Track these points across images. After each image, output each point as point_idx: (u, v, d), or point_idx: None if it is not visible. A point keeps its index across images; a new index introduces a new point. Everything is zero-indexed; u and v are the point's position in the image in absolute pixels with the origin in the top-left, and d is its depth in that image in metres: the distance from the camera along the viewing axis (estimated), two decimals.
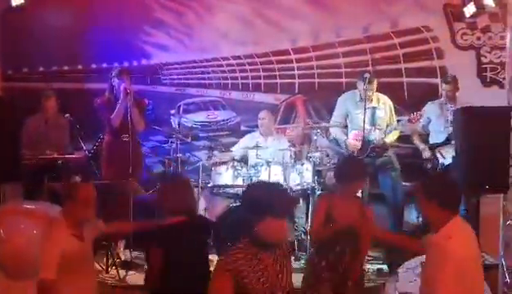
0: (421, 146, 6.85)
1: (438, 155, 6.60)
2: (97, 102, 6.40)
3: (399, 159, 6.86)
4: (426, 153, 6.72)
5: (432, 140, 6.80)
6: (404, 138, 7.19)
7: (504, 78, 6.36)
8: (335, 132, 6.91)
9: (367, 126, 6.54)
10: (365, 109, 6.53)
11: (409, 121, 6.55)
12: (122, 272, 5.80)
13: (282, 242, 3.22)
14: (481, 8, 7.01)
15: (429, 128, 6.88)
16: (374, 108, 6.63)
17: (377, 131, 6.56)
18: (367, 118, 6.56)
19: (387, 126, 6.70)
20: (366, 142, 6.52)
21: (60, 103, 6.91)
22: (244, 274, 3.04)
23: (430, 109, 6.85)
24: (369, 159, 6.48)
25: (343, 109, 6.86)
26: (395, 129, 6.73)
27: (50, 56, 7.74)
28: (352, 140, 6.67)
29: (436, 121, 6.78)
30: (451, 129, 6.46)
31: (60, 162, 6.51)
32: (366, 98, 6.59)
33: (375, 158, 6.61)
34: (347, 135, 6.80)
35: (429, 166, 6.67)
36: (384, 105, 6.73)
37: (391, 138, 6.73)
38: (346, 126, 6.86)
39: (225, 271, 3.04)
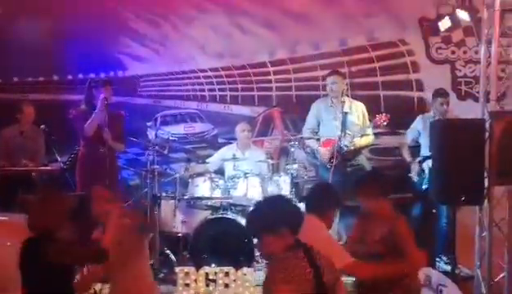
0: (408, 159, 6.87)
1: (426, 168, 6.60)
2: (73, 113, 6.32)
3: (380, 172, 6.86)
4: (413, 166, 6.73)
5: (422, 153, 6.80)
6: (385, 150, 7.23)
7: (478, 92, 6.43)
8: (308, 140, 6.91)
9: (339, 132, 6.49)
10: (342, 110, 6.53)
11: (374, 123, 6.56)
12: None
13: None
14: (456, 22, 7.10)
15: (420, 141, 6.90)
16: (346, 113, 6.57)
17: (348, 136, 6.50)
18: (339, 123, 6.55)
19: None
20: (337, 149, 6.45)
21: (36, 114, 6.82)
22: None
23: (419, 123, 6.88)
24: (340, 167, 6.43)
25: (315, 114, 6.86)
26: (367, 134, 6.73)
27: (25, 67, 7.66)
28: (323, 148, 6.66)
29: (425, 134, 6.81)
30: None
31: (34, 174, 6.42)
32: (337, 99, 6.61)
33: (346, 164, 6.53)
34: (319, 141, 6.76)
35: (416, 178, 6.68)
36: (356, 111, 6.72)
37: (362, 142, 6.67)
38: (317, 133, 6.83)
39: None
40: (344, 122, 6.53)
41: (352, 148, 6.54)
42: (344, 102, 6.59)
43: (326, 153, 6.57)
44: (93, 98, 6.22)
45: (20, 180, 6.31)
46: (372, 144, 7.01)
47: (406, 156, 6.92)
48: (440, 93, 6.77)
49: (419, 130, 6.86)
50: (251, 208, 3.39)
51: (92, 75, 7.52)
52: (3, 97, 7.66)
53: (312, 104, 6.94)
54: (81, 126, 6.20)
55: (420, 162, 6.65)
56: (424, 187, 6.53)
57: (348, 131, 6.53)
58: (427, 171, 6.48)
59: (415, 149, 6.92)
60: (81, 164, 6.35)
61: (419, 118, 6.92)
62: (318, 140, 6.77)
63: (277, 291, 3.05)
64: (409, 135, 6.95)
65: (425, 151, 6.67)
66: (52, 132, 6.70)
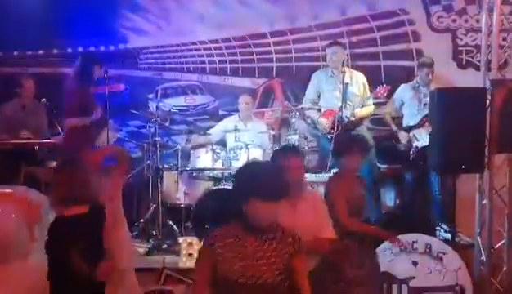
0: (394, 128, 6.88)
1: (412, 138, 6.64)
2: (68, 87, 6.27)
3: (376, 141, 6.88)
4: (401, 136, 6.74)
5: (405, 123, 6.81)
6: (381, 120, 7.23)
7: (479, 61, 6.43)
8: (308, 111, 6.90)
9: (339, 103, 6.49)
10: (343, 83, 6.52)
11: (374, 95, 6.57)
12: None
13: (267, 226, 3.00)
14: None
15: (403, 111, 6.90)
16: (346, 84, 6.55)
17: (348, 107, 6.50)
18: (339, 94, 6.54)
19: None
20: (337, 120, 6.46)
21: (37, 87, 6.82)
22: (219, 251, 2.99)
23: (403, 92, 6.88)
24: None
25: (315, 85, 6.86)
26: (368, 105, 6.71)
27: (25, 40, 7.63)
28: (324, 118, 6.67)
29: (409, 103, 6.81)
30: (425, 111, 6.50)
31: (37, 147, 6.45)
32: (337, 70, 6.60)
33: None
34: (320, 112, 6.76)
35: (403, 148, 6.71)
36: (356, 82, 6.70)
37: (363, 112, 6.67)
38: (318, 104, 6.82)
39: (204, 248, 3.09)
40: (345, 93, 6.53)
41: (353, 119, 6.55)
42: (345, 73, 6.58)
43: (327, 124, 6.60)
44: (91, 73, 6.20)
45: (23, 153, 6.34)
46: (373, 115, 7.02)
47: (392, 126, 6.92)
48: (426, 63, 6.76)
49: (402, 99, 6.85)
50: (251, 171, 3.05)
51: (92, 48, 7.51)
52: (3, 71, 7.63)
53: (313, 75, 6.94)
54: (74, 100, 6.15)
55: (407, 131, 6.68)
56: (411, 156, 6.57)
57: (348, 102, 6.54)
58: (414, 140, 6.53)
59: (399, 119, 6.95)
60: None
61: (402, 87, 6.91)
62: (319, 110, 6.79)
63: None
64: (394, 104, 6.95)
65: (410, 120, 6.70)
66: (53, 106, 6.70)
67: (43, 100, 6.74)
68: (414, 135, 6.59)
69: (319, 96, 6.84)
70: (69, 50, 7.71)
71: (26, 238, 4.48)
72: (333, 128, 6.50)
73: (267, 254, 2.98)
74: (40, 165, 6.21)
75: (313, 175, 6.34)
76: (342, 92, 6.52)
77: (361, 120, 6.70)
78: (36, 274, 4.04)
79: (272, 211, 2.93)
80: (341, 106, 6.47)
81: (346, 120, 6.47)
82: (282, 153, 4.15)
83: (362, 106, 6.66)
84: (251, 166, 3.23)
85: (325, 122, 6.63)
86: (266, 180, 2.92)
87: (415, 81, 6.83)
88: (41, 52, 7.78)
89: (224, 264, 2.97)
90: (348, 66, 6.84)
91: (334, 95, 6.66)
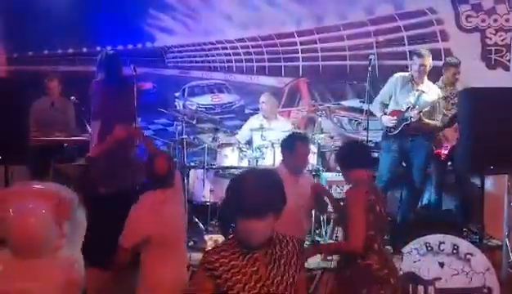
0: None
1: (442, 138, 6.55)
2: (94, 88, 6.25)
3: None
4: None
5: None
6: None
7: (509, 60, 6.36)
8: (373, 108, 6.46)
9: (408, 105, 6.17)
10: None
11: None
12: None
13: (258, 244, 2.73)
14: None
15: None
16: (422, 91, 6.21)
17: (415, 110, 6.12)
18: (412, 99, 6.20)
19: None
20: (401, 119, 6.15)
21: (66, 86, 6.92)
22: (226, 277, 2.67)
23: None
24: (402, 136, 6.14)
25: (391, 88, 6.38)
26: (435, 120, 6.27)
27: (55, 39, 7.75)
28: (388, 116, 6.27)
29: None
30: (453, 111, 6.41)
31: (66, 144, 6.55)
32: (419, 78, 6.27)
33: (409, 137, 6.20)
34: (384, 112, 6.35)
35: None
36: (433, 93, 6.28)
37: (429, 122, 6.22)
38: (386, 105, 6.39)
39: (205, 271, 2.68)
40: (418, 98, 6.18)
41: (415, 120, 6.11)
42: (424, 81, 6.26)
43: (389, 121, 6.25)
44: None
45: (52, 150, 6.45)
46: None
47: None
48: (453, 63, 6.63)
49: None
50: (237, 186, 2.75)
51: (121, 47, 7.60)
52: (34, 69, 7.76)
53: (392, 77, 6.45)
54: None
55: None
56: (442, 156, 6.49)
57: (418, 108, 6.14)
58: (444, 141, 6.46)
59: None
60: None
61: None
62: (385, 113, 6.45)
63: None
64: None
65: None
66: (83, 104, 6.79)
67: (72, 97, 6.85)
68: (443, 136, 6.47)
69: (390, 98, 6.37)
70: (99, 48, 7.81)
71: (55, 233, 4.55)
72: (393, 127, 6.22)
73: (281, 269, 2.77)
74: (69, 162, 6.31)
75: (339, 174, 6.32)
76: (415, 98, 6.20)
77: (424, 126, 6.25)
78: (65, 270, 4.11)
79: (258, 229, 2.66)
80: (408, 107, 6.15)
81: (410, 120, 6.13)
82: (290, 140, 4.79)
83: (431, 118, 6.27)
84: (240, 179, 2.81)
85: (387, 119, 6.26)
86: (248, 197, 2.64)
87: (440, 81, 6.70)
88: (71, 51, 7.89)
89: (230, 289, 2.68)
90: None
91: (406, 101, 6.23)
